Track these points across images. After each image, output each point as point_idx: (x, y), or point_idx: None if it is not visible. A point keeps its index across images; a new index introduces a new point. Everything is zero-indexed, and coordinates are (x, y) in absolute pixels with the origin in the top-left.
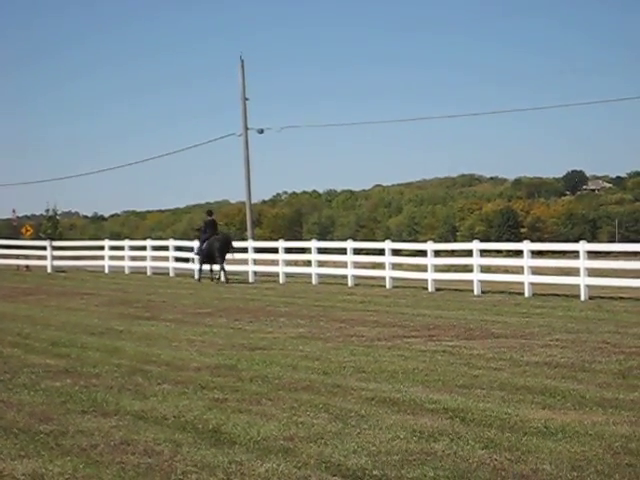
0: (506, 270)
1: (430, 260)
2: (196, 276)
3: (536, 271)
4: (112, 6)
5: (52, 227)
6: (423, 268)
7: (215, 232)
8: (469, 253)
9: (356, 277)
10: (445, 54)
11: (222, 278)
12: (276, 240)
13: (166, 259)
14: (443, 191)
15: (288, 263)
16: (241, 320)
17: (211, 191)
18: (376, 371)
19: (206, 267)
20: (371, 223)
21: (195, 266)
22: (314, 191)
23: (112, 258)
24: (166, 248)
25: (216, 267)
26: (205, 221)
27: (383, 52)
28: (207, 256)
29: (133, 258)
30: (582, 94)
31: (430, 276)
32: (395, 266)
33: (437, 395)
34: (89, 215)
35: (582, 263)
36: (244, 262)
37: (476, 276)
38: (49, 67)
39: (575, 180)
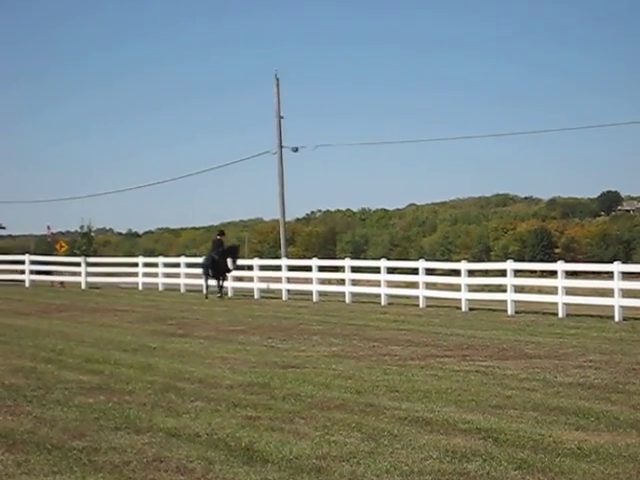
0: (540, 290)
1: (464, 280)
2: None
3: (570, 292)
4: (146, 17)
5: (86, 243)
6: (457, 288)
7: (214, 251)
8: (503, 273)
9: (389, 296)
10: (481, 75)
11: (219, 293)
12: (309, 258)
13: (199, 276)
14: (477, 210)
15: (322, 281)
16: (274, 338)
17: (245, 209)
18: (409, 390)
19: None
20: (405, 242)
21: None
22: (348, 209)
23: (146, 275)
24: (200, 265)
25: (212, 282)
26: (213, 240)
27: (418, 71)
28: (204, 273)
29: (167, 275)
30: (617, 115)
31: (464, 296)
32: (429, 285)
33: (470, 415)
34: (123, 232)
35: (616, 284)
36: (278, 280)
37: (510, 296)
38: (87, 74)
39: (610, 201)
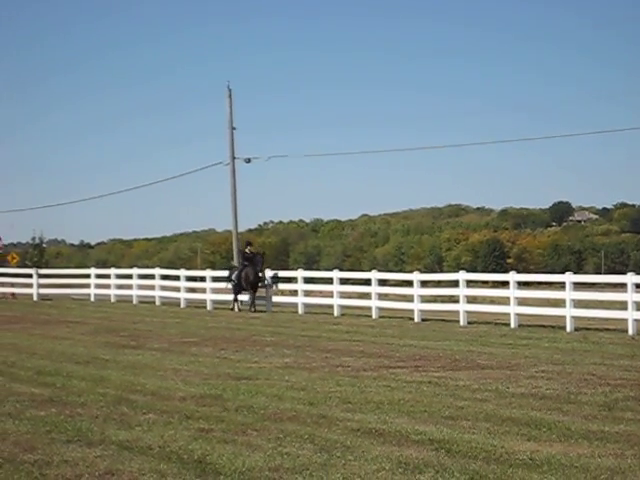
0: (492, 301)
1: (416, 290)
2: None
3: (522, 302)
4: (98, 35)
5: (38, 255)
6: (409, 298)
7: (254, 265)
8: (455, 284)
9: (342, 307)
10: (432, 82)
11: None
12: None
13: (152, 288)
14: (430, 221)
15: (274, 292)
16: (227, 349)
17: (198, 220)
18: (362, 402)
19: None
20: (357, 253)
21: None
22: (301, 220)
23: (98, 286)
24: (152, 277)
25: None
26: (245, 252)
27: (369, 81)
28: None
29: (119, 286)
30: (569, 125)
31: (416, 306)
32: (381, 296)
33: (423, 426)
34: (75, 243)
35: (568, 294)
36: (230, 291)
37: (462, 307)
38: (35, 95)
39: (561, 211)
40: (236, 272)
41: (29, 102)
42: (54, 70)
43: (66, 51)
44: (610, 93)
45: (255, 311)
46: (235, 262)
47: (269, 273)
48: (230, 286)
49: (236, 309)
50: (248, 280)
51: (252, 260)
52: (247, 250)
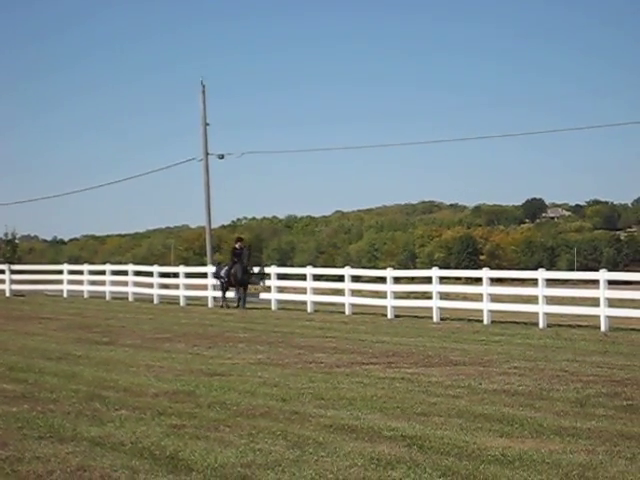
0: (465, 297)
1: (389, 287)
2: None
3: (495, 298)
4: (75, 34)
5: (11, 251)
6: (382, 295)
7: (242, 262)
8: (428, 280)
9: (315, 303)
10: (405, 78)
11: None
12: None
13: (125, 284)
14: (403, 218)
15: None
16: (200, 346)
17: (171, 216)
18: (334, 398)
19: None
20: (331, 249)
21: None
22: (274, 217)
23: (71, 282)
24: (125, 273)
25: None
26: (236, 248)
27: (342, 77)
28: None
29: (92, 282)
30: (543, 121)
31: (389, 303)
32: (355, 292)
33: (395, 422)
34: (48, 239)
35: (541, 291)
36: (204, 287)
37: (435, 303)
38: (14, 93)
39: (534, 208)
40: (225, 269)
41: (6, 102)
42: (41, 69)
43: (45, 50)
44: (586, 88)
45: (242, 308)
46: (208, 258)
47: (254, 270)
48: (218, 282)
49: (212, 305)
50: (236, 278)
51: (240, 256)
52: (237, 246)
